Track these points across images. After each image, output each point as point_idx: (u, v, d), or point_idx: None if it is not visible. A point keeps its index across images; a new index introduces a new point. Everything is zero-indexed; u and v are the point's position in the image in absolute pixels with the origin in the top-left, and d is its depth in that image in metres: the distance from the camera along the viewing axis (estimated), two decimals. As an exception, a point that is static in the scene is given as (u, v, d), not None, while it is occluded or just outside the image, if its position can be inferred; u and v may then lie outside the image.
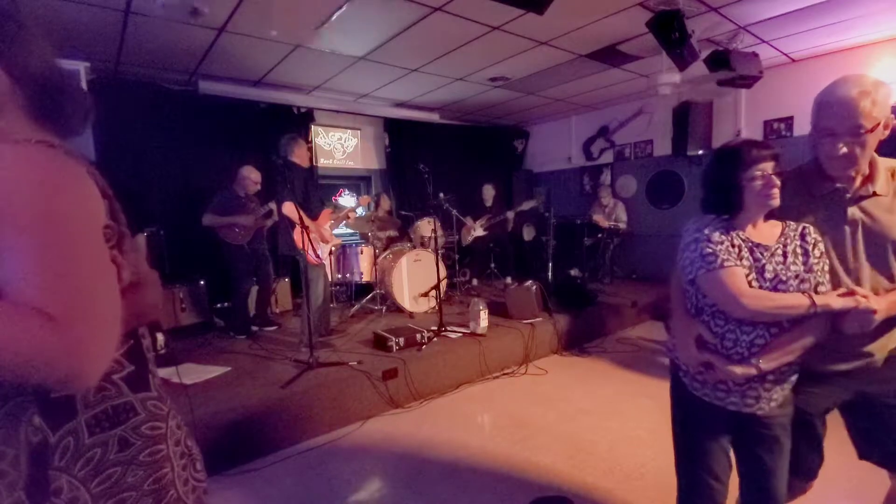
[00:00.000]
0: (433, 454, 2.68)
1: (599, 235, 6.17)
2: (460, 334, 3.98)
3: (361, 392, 3.10)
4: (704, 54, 3.80)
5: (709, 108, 5.43)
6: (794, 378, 1.34)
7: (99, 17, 3.28)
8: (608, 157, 6.90)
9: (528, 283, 4.54)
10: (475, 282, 6.35)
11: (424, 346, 3.65)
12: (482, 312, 3.99)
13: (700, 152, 5.39)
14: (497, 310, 4.56)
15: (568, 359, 4.26)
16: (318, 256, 3.62)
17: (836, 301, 1.22)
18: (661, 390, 1.94)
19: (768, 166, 1.26)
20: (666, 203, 6.24)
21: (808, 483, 1.60)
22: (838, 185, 1.33)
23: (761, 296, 1.24)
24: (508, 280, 6.00)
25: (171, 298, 4.28)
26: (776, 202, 1.27)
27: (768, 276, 1.27)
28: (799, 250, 1.29)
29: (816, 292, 1.25)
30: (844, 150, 1.23)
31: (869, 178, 1.31)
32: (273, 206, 4.24)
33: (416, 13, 3.44)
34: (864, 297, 1.21)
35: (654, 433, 1.96)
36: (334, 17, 3.47)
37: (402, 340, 3.60)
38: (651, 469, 1.92)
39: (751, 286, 1.26)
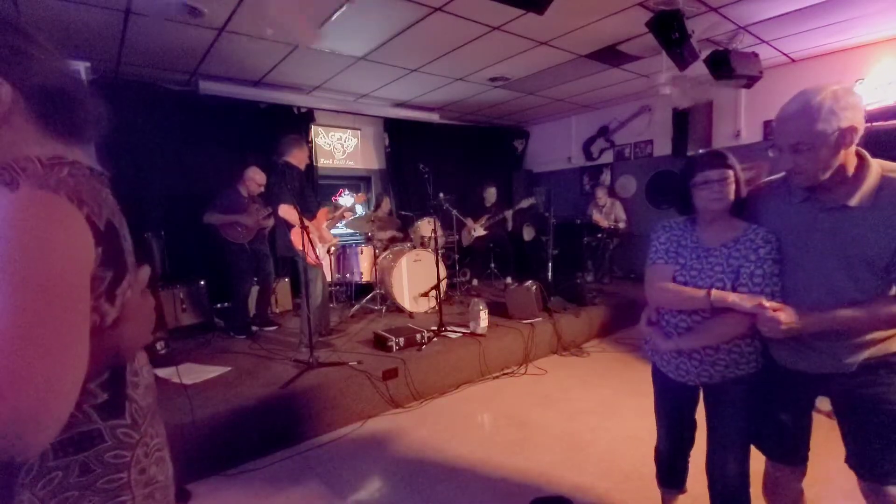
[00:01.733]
0: (433, 454, 2.68)
1: (599, 235, 6.17)
2: (460, 334, 3.98)
3: (361, 392, 3.10)
4: (704, 54, 3.80)
5: (709, 108, 5.43)
6: (729, 360, 1.51)
7: (99, 17, 3.29)
8: (608, 157, 6.90)
9: (528, 283, 4.54)
10: (475, 282, 6.35)
11: (424, 346, 3.65)
12: (482, 312, 3.99)
13: (700, 152, 5.39)
14: (497, 310, 4.56)
15: (567, 359, 4.26)
16: (316, 257, 3.62)
17: (733, 298, 1.37)
18: (660, 390, 1.94)
19: (713, 174, 1.43)
20: (665, 203, 6.25)
21: (793, 470, 1.60)
22: (812, 194, 1.35)
23: (665, 288, 1.51)
24: (509, 280, 6.00)
25: (171, 298, 4.29)
26: (716, 205, 1.44)
27: (693, 272, 1.50)
28: (748, 252, 1.43)
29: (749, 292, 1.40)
30: (789, 163, 1.30)
31: (850, 189, 1.30)
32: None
33: (416, 13, 3.44)
34: (773, 308, 1.30)
35: (653, 433, 1.97)
36: (334, 17, 3.47)
37: (402, 340, 3.60)
38: (650, 469, 1.92)
39: (675, 280, 1.51)
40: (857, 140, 1.28)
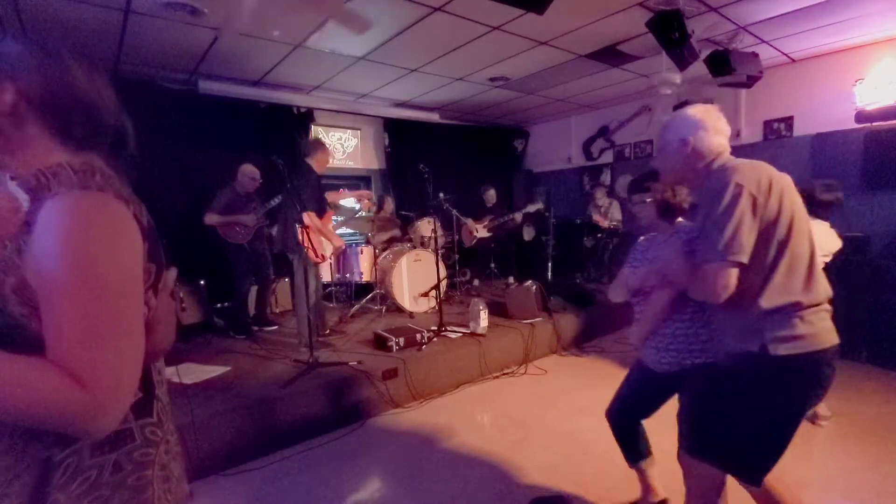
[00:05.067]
0: (433, 454, 2.68)
1: (599, 235, 6.17)
2: (460, 334, 3.98)
3: (361, 392, 3.10)
4: (704, 54, 3.79)
5: (709, 108, 5.43)
6: (680, 346, 1.72)
7: (99, 15, 3.28)
8: (608, 157, 6.89)
9: (528, 283, 4.54)
10: (476, 282, 6.34)
11: (424, 346, 3.65)
12: (482, 312, 3.99)
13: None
14: (497, 310, 4.56)
15: (567, 358, 4.26)
16: (319, 255, 3.62)
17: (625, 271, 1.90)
18: (660, 390, 1.94)
19: (636, 198, 1.83)
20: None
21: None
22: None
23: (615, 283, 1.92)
24: (510, 280, 6.00)
25: (171, 298, 4.29)
26: (644, 220, 1.83)
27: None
28: (666, 244, 1.76)
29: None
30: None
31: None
32: (277, 201, 4.24)
33: (416, 13, 3.44)
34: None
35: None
36: (328, 21, 3.47)
37: (402, 340, 3.60)
38: (651, 469, 1.93)
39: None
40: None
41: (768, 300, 1.34)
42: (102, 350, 0.63)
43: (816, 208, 2.80)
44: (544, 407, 3.25)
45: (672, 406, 1.86)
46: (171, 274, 0.84)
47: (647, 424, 2.02)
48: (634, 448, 2.03)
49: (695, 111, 1.53)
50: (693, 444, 1.57)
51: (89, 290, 0.63)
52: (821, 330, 1.35)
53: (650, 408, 1.95)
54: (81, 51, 0.80)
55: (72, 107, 0.74)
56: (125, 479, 0.73)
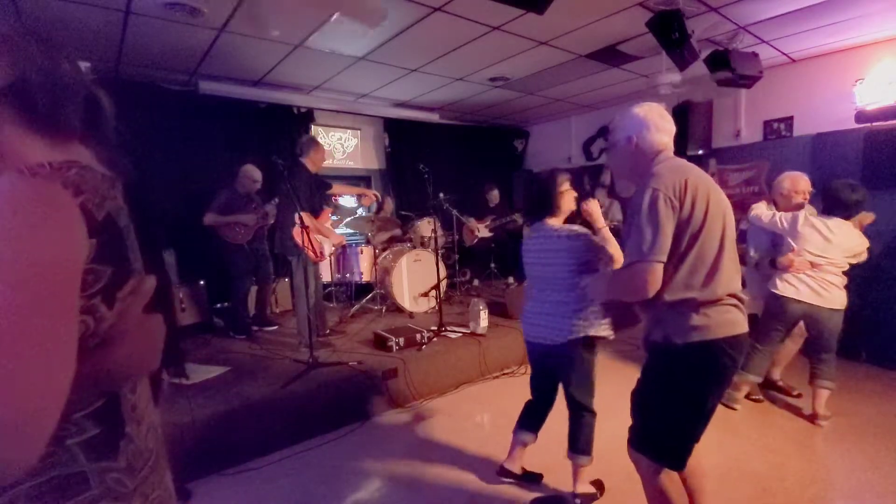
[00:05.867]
0: (433, 454, 2.68)
1: (599, 235, 6.15)
2: (460, 334, 3.98)
3: (361, 392, 3.10)
4: (704, 54, 3.79)
5: (709, 108, 5.42)
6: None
7: (99, 16, 3.28)
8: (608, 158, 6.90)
9: (528, 282, 4.53)
10: (476, 282, 6.34)
11: (424, 346, 3.65)
12: (482, 312, 3.99)
13: (700, 152, 5.38)
14: (497, 310, 4.56)
15: (568, 359, 4.26)
16: (319, 254, 3.63)
17: None
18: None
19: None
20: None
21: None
22: None
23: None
24: (510, 280, 5.99)
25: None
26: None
27: None
28: None
29: None
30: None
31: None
32: (271, 207, 4.25)
33: (416, 13, 3.44)
34: None
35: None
36: (334, 18, 3.47)
37: (402, 340, 3.60)
38: (650, 469, 1.93)
39: None
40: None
41: (670, 294, 1.47)
42: (5, 355, 0.49)
43: (842, 209, 2.80)
44: (544, 407, 3.24)
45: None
46: (149, 282, 0.71)
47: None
48: (531, 423, 2.42)
49: (639, 110, 1.61)
50: (630, 435, 1.67)
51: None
52: (717, 322, 1.46)
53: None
54: (81, 51, 0.75)
55: (30, 79, 0.64)
56: None
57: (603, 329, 2.10)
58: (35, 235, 0.54)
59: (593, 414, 2.19)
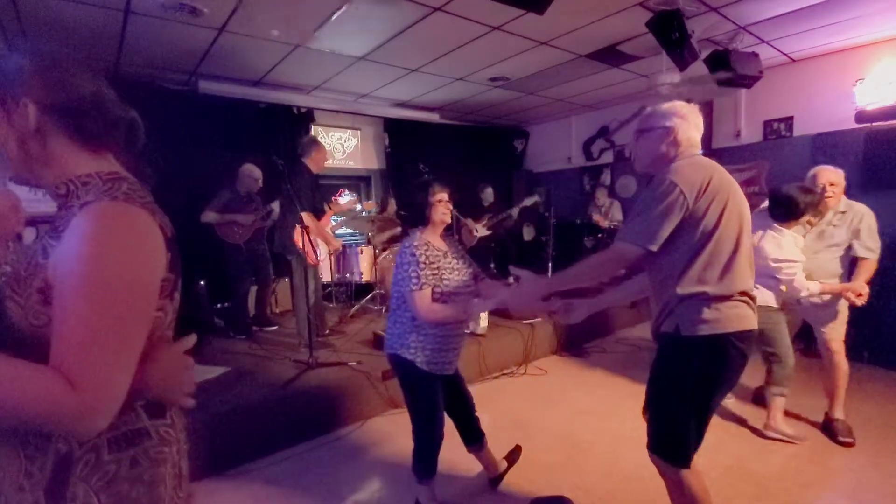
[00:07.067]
0: (433, 454, 2.68)
1: (600, 235, 6.17)
2: (460, 334, 3.97)
3: (361, 392, 3.10)
4: (704, 54, 3.79)
5: (709, 108, 5.41)
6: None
7: (99, 16, 3.28)
8: (608, 158, 6.89)
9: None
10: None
11: (424, 346, 3.64)
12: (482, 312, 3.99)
13: (700, 152, 5.39)
14: (497, 310, 4.54)
15: (567, 359, 4.26)
16: (316, 257, 3.63)
17: None
18: (660, 390, 1.94)
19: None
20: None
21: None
22: None
23: None
24: (510, 280, 5.98)
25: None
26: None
27: None
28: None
29: None
30: None
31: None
32: (276, 205, 4.24)
33: (416, 13, 3.44)
34: None
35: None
36: (334, 17, 3.47)
37: (401, 340, 3.59)
38: (650, 470, 1.91)
39: None
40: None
41: (683, 287, 1.50)
42: (99, 353, 0.65)
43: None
44: (544, 408, 3.24)
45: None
46: (189, 341, 0.85)
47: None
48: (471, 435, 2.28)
49: (682, 105, 1.67)
50: (647, 438, 1.67)
51: (96, 295, 0.66)
52: (727, 316, 1.49)
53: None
54: (78, 50, 0.81)
55: (82, 105, 0.76)
56: (141, 475, 0.77)
57: (412, 354, 1.95)
58: (129, 254, 0.70)
59: (431, 436, 2.05)
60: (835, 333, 2.76)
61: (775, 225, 2.56)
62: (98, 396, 0.64)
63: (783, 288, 2.56)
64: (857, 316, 3.82)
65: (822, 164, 2.85)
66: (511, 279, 6.21)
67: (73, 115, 0.75)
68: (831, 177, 2.74)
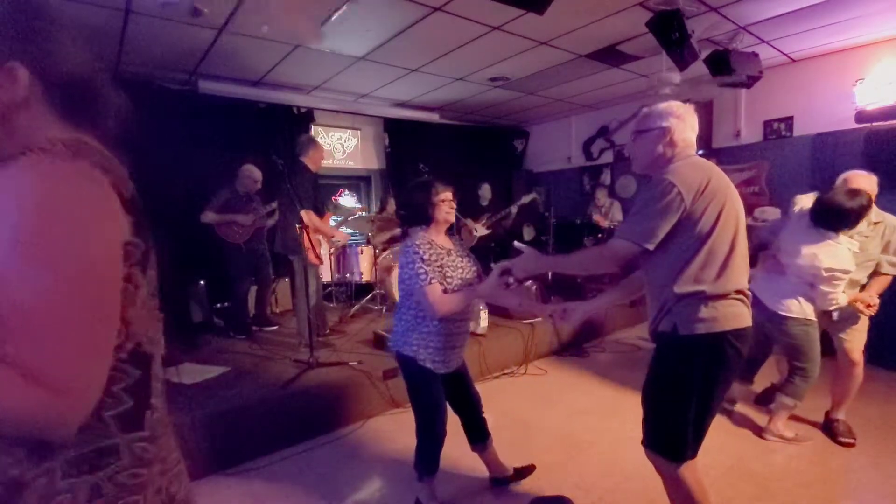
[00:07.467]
0: (433, 454, 2.68)
1: (600, 235, 6.17)
2: (460, 334, 3.97)
3: (362, 392, 3.10)
4: (704, 54, 3.79)
5: (709, 108, 5.42)
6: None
7: (99, 16, 3.28)
8: (608, 157, 6.89)
9: (528, 282, 4.54)
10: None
11: (424, 346, 3.64)
12: (482, 312, 3.98)
13: (700, 152, 5.39)
14: (497, 310, 4.54)
15: (567, 359, 4.26)
16: (318, 256, 3.63)
17: None
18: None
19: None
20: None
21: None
22: None
23: None
24: (510, 280, 5.98)
25: (171, 298, 4.29)
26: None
27: None
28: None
29: None
30: None
31: None
32: (276, 205, 4.24)
33: (416, 13, 3.44)
34: None
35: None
36: (334, 17, 3.47)
37: (402, 340, 3.59)
38: (650, 470, 1.91)
39: None
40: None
41: (680, 287, 1.52)
42: (62, 337, 0.54)
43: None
44: (544, 407, 3.24)
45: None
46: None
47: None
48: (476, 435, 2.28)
49: (679, 105, 1.69)
50: (643, 434, 1.69)
51: (46, 270, 0.54)
52: (724, 315, 1.50)
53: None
54: (91, 41, 0.77)
55: (73, 76, 0.68)
56: None
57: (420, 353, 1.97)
58: (82, 222, 0.58)
59: (432, 432, 2.07)
60: (856, 343, 2.68)
61: (831, 234, 2.43)
62: (71, 387, 0.54)
63: (827, 297, 2.48)
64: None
65: (855, 170, 2.63)
66: (510, 280, 6.20)
67: (61, 87, 0.67)
68: (863, 183, 2.50)
